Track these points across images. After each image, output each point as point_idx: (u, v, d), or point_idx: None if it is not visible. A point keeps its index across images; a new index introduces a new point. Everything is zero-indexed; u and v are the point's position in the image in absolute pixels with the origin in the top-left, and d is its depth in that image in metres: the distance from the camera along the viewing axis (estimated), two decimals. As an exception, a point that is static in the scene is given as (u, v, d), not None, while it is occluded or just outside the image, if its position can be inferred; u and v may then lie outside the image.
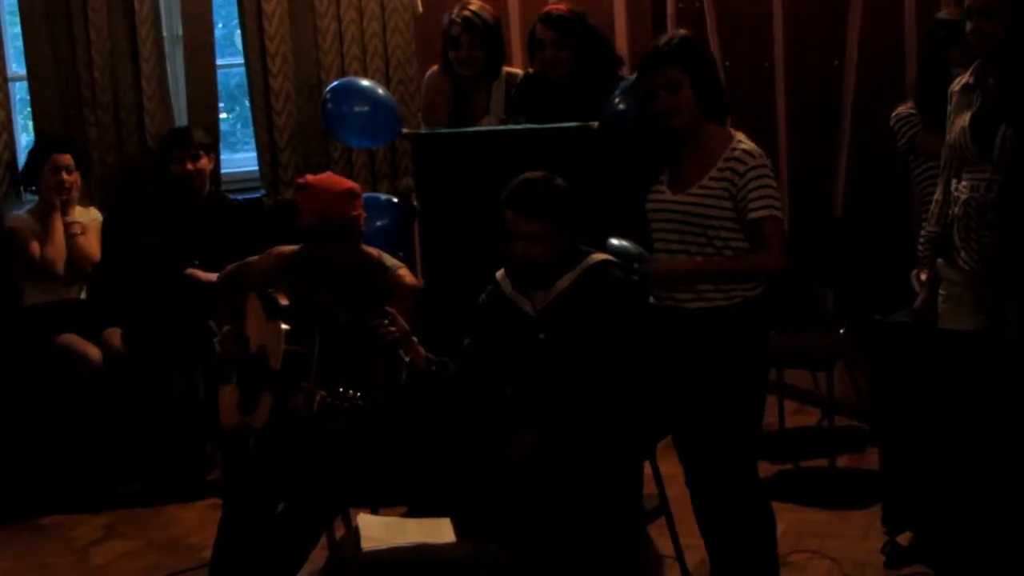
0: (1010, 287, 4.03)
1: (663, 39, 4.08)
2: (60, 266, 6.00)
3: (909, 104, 5.05)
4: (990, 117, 4.06)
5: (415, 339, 4.17)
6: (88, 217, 6.17)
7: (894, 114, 5.08)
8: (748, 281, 4.00)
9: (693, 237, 3.99)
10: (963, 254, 4.13)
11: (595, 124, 5.06)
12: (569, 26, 5.32)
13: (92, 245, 6.12)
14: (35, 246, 5.98)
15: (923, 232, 4.39)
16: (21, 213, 6.15)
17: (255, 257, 4.71)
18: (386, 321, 4.07)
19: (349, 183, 4.57)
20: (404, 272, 4.54)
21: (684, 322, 4.02)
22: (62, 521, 5.65)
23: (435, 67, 5.80)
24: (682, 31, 4.14)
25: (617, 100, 5.05)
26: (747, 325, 4.01)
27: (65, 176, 6.04)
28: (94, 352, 5.85)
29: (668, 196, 4.04)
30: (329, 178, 4.61)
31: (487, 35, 5.59)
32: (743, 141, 4.03)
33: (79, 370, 5.81)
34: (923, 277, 4.41)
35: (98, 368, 5.82)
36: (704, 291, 4.01)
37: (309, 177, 4.60)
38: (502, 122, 5.54)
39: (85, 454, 5.84)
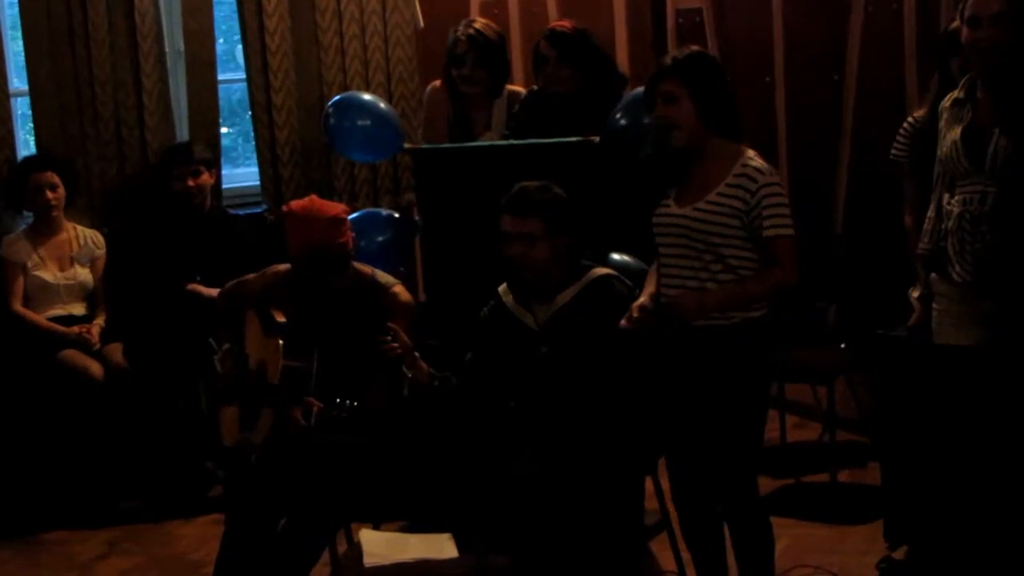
0: (1006, 297, 4.03)
1: (671, 53, 4.10)
2: (38, 320, 5.97)
3: (921, 111, 4.79)
4: (981, 129, 4.06)
5: (417, 354, 4.17)
6: (92, 248, 6.14)
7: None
8: (760, 302, 4.00)
9: (698, 252, 3.97)
10: (957, 267, 4.11)
11: (596, 138, 5.07)
12: (572, 43, 5.32)
13: (98, 284, 6.11)
14: (15, 295, 5.96)
15: (918, 248, 4.38)
16: (19, 232, 6.12)
17: (252, 275, 4.70)
18: (388, 337, 4.08)
19: (334, 209, 4.46)
20: (399, 289, 4.52)
21: (685, 341, 4.02)
22: (65, 537, 5.64)
23: (436, 82, 5.80)
24: (694, 47, 4.13)
25: (619, 115, 5.06)
26: (746, 345, 4.00)
27: (50, 194, 6.02)
28: (95, 367, 5.83)
29: (674, 210, 4.03)
30: (311, 205, 4.46)
31: (491, 53, 5.58)
32: (754, 158, 4.02)
33: (80, 385, 5.79)
34: (915, 294, 4.42)
35: (99, 383, 5.81)
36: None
37: (292, 204, 4.52)
38: (503, 138, 5.55)
39: (87, 470, 5.83)
